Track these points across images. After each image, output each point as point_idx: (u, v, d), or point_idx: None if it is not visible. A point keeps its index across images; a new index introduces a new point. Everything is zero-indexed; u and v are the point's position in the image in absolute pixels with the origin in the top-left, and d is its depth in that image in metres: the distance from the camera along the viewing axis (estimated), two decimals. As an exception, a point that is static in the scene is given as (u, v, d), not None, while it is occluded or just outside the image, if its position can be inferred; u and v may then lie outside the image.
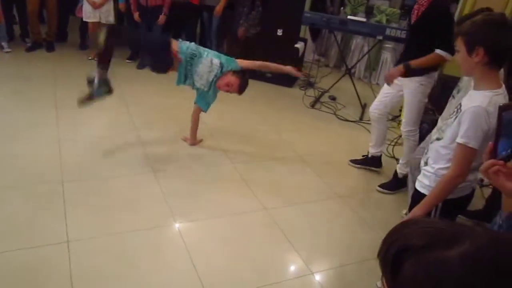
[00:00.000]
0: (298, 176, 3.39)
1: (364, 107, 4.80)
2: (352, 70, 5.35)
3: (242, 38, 5.40)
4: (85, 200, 2.73)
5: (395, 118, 4.47)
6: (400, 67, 2.96)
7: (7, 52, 5.20)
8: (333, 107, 4.85)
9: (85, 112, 4.04)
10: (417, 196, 1.89)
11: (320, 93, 5.02)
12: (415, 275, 0.59)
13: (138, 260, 2.30)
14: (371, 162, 3.59)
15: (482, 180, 3.51)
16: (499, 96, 1.62)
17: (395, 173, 3.35)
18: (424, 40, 2.89)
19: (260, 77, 5.03)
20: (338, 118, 4.62)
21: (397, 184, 3.32)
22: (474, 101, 1.63)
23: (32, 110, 3.86)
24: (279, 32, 5.18)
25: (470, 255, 0.57)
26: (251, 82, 3.38)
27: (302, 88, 5.29)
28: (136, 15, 5.02)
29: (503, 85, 1.68)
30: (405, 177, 3.18)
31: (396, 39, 4.68)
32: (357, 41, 5.96)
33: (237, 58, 3.31)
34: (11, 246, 2.27)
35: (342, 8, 5.46)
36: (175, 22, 5.33)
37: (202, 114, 3.48)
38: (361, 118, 4.64)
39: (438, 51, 2.82)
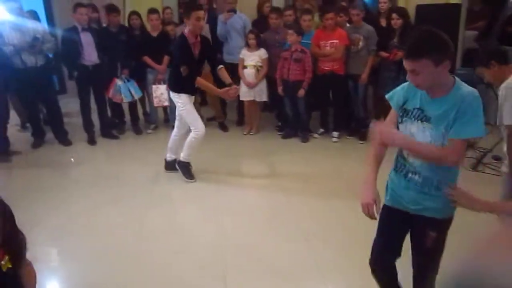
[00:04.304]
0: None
1: (537, 166, 4.18)
2: (519, 126, 4.76)
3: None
4: (242, 264, 2.91)
5: None
6: None
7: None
8: (499, 168, 4.33)
9: (242, 185, 4.38)
10: None
11: (481, 153, 4.57)
12: None
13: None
14: None
15: None
16: None
17: None
18: None
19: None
20: (507, 180, 4.09)
21: None
22: None
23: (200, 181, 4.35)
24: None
25: None
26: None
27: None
28: (280, 89, 5.39)
29: None
30: None
31: None
32: (521, 94, 5.35)
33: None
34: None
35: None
36: (322, 92, 5.52)
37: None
38: (535, 179, 4.04)
39: None
